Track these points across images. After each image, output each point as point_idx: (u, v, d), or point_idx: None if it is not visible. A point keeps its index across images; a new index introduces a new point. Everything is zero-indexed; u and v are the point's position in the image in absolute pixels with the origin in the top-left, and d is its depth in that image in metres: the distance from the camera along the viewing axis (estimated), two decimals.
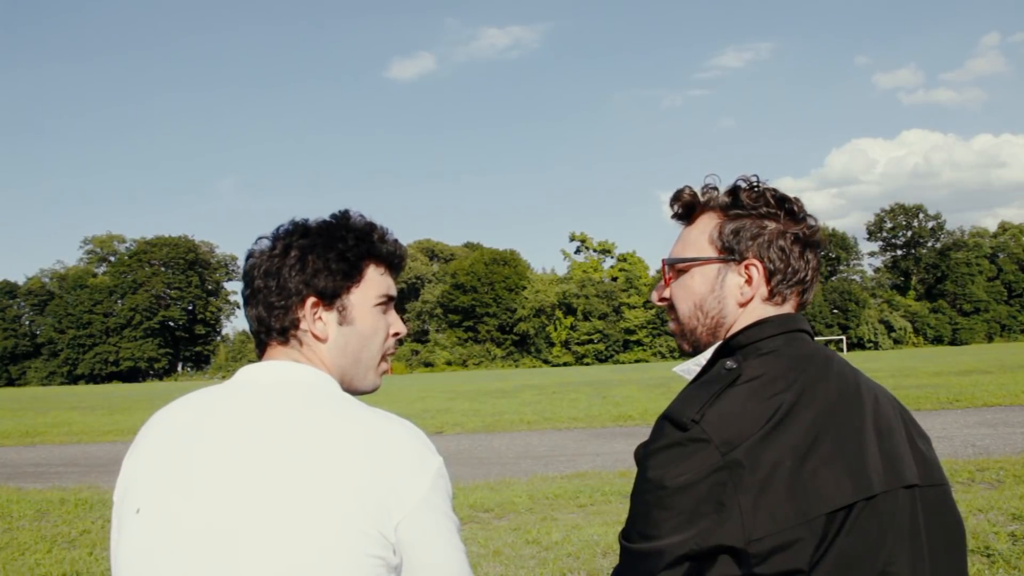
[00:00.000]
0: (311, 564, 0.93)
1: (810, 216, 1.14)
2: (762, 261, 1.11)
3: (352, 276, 1.16)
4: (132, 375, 78.30)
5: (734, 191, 1.14)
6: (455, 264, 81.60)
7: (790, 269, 1.11)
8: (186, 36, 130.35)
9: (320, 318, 1.13)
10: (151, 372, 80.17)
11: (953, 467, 6.69)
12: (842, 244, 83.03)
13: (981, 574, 3.86)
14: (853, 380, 1.09)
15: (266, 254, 1.16)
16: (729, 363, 1.07)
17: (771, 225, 1.11)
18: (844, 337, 72.72)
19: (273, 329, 1.14)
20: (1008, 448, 7.78)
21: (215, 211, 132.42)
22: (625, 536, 1.05)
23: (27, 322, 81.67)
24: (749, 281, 1.11)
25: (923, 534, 1.05)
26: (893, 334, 75.99)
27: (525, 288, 76.75)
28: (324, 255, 1.15)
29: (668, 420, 1.02)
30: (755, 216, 1.12)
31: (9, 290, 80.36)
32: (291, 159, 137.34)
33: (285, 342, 1.14)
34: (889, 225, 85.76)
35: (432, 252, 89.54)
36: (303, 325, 1.13)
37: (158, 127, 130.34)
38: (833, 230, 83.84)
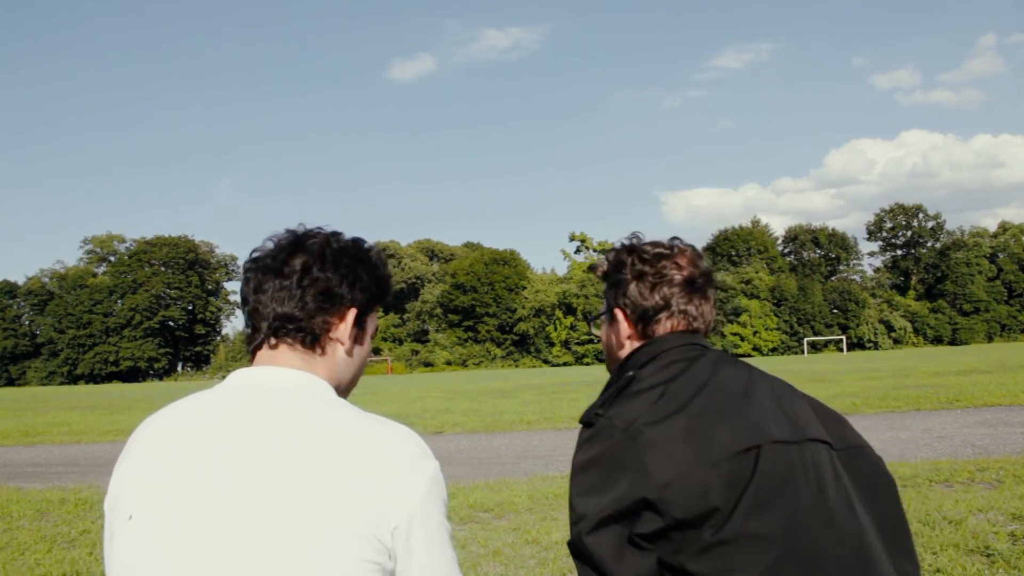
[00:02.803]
0: (304, 567, 0.93)
1: (664, 261, 1.42)
2: (622, 307, 1.44)
3: (379, 301, 1.21)
4: (132, 375, 78.27)
5: (606, 264, 1.50)
6: (455, 264, 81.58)
7: (641, 307, 1.41)
8: (186, 36, 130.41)
9: (351, 331, 1.16)
10: (151, 372, 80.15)
11: (953, 467, 6.69)
12: (842, 244, 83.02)
13: (981, 574, 3.86)
14: (745, 373, 1.34)
15: (317, 254, 1.15)
16: (629, 373, 1.35)
17: (626, 279, 1.43)
18: (844, 337, 72.69)
19: (305, 330, 1.13)
20: (1008, 448, 7.78)
21: (215, 211, 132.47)
22: (571, 529, 1.23)
23: (27, 322, 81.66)
24: (624, 321, 1.44)
25: (845, 481, 1.25)
26: (893, 334, 75.97)
27: (525, 288, 76.72)
28: (371, 273, 1.19)
29: (581, 423, 1.30)
30: (616, 277, 1.46)
31: (9, 290, 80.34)
32: (291, 159, 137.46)
33: (310, 346, 1.13)
34: (889, 225, 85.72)
35: (432, 252, 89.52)
36: (334, 333, 1.14)
37: (158, 127, 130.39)
38: (833, 230, 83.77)
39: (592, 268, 1.52)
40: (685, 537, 1.16)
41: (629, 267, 1.43)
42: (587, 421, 1.28)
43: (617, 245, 1.49)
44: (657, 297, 1.40)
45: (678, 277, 1.41)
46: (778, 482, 1.19)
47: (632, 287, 1.42)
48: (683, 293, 1.41)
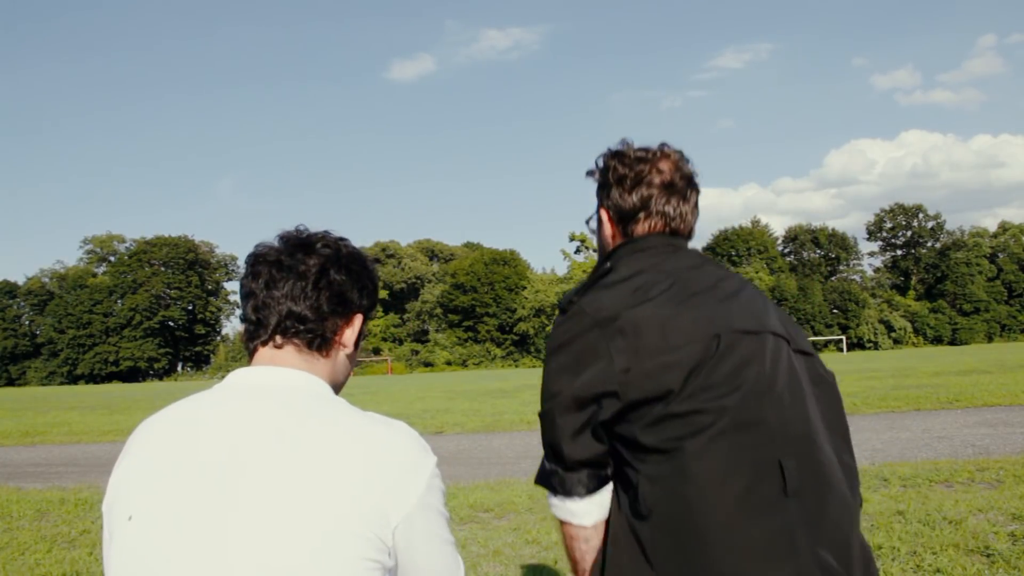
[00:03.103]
0: (304, 567, 0.93)
1: (644, 164, 1.46)
2: (606, 208, 1.51)
3: (375, 308, 1.22)
4: (132, 375, 78.23)
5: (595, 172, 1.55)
6: (455, 264, 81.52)
7: (621, 207, 1.47)
8: (186, 36, 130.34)
9: (356, 336, 1.18)
10: (151, 372, 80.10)
11: (953, 467, 6.69)
12: (842, 244, 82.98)
13: (981, 574, 3.86)
14: (718, 271, 1.41)
15: (333, 257, 1.15)
16: (607, 264, 1.43)
17: (609, 182, 1.50)
18: (844, 337, 72.66)
19: (315, 332, 1.12)
20: (1008, 448, 7.77)
21: (215, 211, 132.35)
22: (542, 403, 1.34)
23: (27, 322, 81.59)
24: (607, 222, 1.51)
25: (798, 374, 1.33)
26: (893, 334, 75.94)
27: (525, 288, 76.67)
28: (374, 281, 1.21)
29: (558, 308, 1.38)
30: (602, 180, 1.53)
31: (9, 290, 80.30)
32: (291, 159, 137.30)
33: (317, 348, 1.13)
34: (889, 225, 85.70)
35: (432, 252, 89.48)
36: (340, 337, 1.15)
37: (158, 127, 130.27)
38: (833, 230, 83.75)
39: (588, 173, 1.57)
40: (639, 414, 1.25)
41: (612, 171, 1.49)
42: (562, 307, 1.37)
43: (606, 151, 1.55)
44: (635, 198, 1.46)
45: (657, 180, 1.46)
46: (733, 366, 1.26)
47: (613, 190, 1.49)
48: (662, 194, 1.46)
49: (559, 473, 1.32)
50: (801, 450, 1.26)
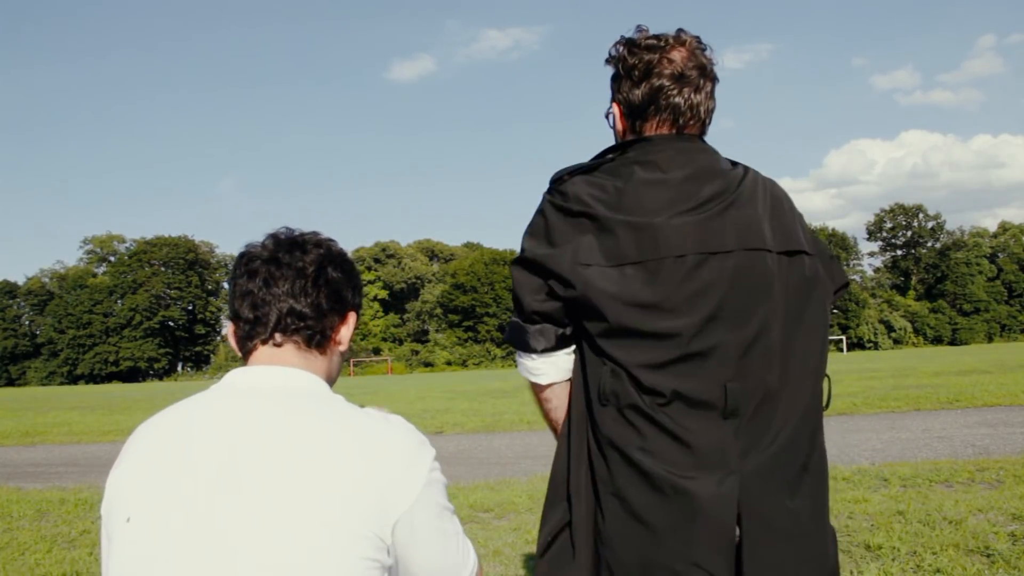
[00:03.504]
0: (304, 567, 0.93)
1: (654, 53, 1.39)
2: (618, 102, 1.45)
3: (362, 307, 1.24)
4: (132, 375, 78.21)
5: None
6: (455, 264, 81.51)
7: (630, 100, 1.41)
8: (186, 36, 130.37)
9: (351, 333, 1.19)
10: (151, 372, 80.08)
11: (953, 467, 6.69)
12: (842, 244, 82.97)
13: (981, 574, 3.86)
14: (716, 178, 1.34)
15: (328, 256, 1.16)
16: (610, 154, 1.42)
17: (619, 73, 1.44)
18: (844, 337, 72.63)
19: (314, 329, 1.12)
20: (1008, 448, 7.77)
21: (215, 211, 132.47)
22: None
23: (27, 322, 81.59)
24: (619, 116, 1.46)
25: (775, 287, 1.30)
26: (893, 334, 75.94)
27: None
28: (360, 279, 1.23)
29: (551, 179, 1.40)
30: (615, 71, 1.46)
31: (9, 290, 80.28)
32: (291, 159, 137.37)
33: (316, 346, 1.13)
34: (889, 225, 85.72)
35: (432, 252, 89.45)
36: (336, 335, 1.16)
37: (158, 127, 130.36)
38: (833, 230, 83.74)
39: (606, 61, 1.50)
40: (593, 324, 1.29)
41: (622, 61, 1.42)
42: (554, 179, 1.39)
43: (619, 38, 1.47)
44: (644, 90, 1.39)
45: (667, 70, 1.37)
46: (693, 291, 1.25)
47: (623, 82, 1.42)
48: (672, 86, 1.38)
49: (520, 325, 1.36)
50: (749, 373, 1.27)
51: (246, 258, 1.15)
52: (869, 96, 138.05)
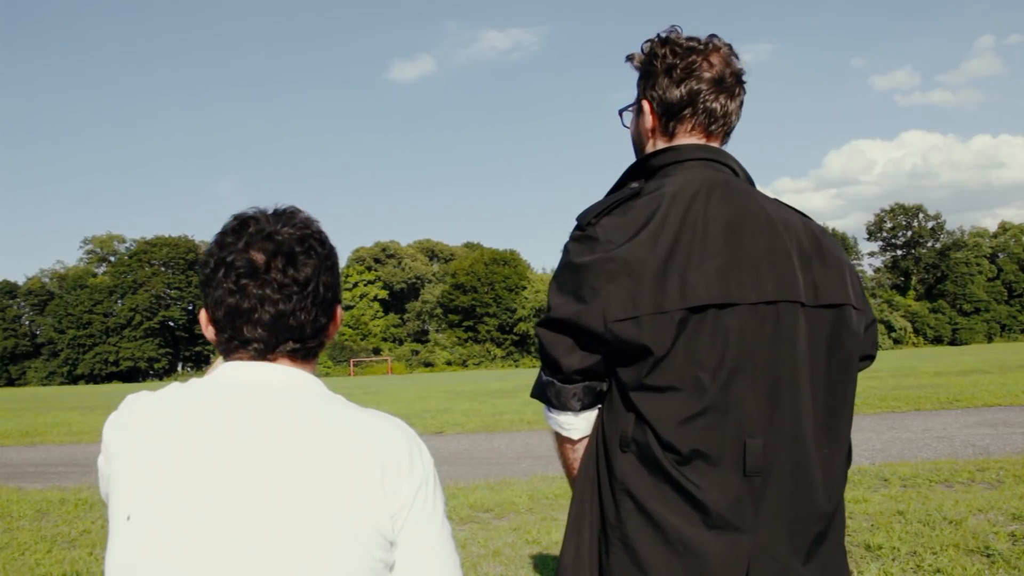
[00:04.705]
0: (304, 566, 0.93)
1: (695, 56, 1.37)
2: (649, 100, 1.41)
3: None
4: (132, 375, 78.23)
5: (641, 54, 1.45)
6: (455, 264, 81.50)
7: (667, 100, 1.38)
8: (186, 36, 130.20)
9: (336, 328, 1.15)
10: (151, 372, 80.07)
11: (953, 467, 6.69)
12: (842, 244, 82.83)
13: (981, 574, 3.86)
14: (752, 205, 1.30)
15: (321, 261, 1.08)
16: (634, 185, 1.38)
17: (656, 70, 1.40)
18: None
19: (309, 342, 1.08)
20: (1008, 448, 7.77)
21: (215, 211, 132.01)
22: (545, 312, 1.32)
23: (27, 322, 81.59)
24: (649, 114, 1.42)
25: (801, 343, 1.25)
26: (893, 334, 75.91)
27: (525, 288, 76.67)
28: (338, 264, 1.16)
29: (576, 220, 1.34)
30: (647, 68, 1.42)
31: (9, 290, 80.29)
32: (291, 159, 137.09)
33: (310, 355, 1.10)
34: (889, 225, 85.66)
35: (432, 252, 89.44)
36: (327, 338, 1.13)
37: (158, 127, 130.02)
38: (833, 230, 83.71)
39: (628, 58, 1.47)
40: (629, 374, 1.25)
41: (660, 59, 1.40)
42: (581, 224, 1.32)
43: (655, 37, 1.44)
44: (683, 91, 1.38)
45: (707, 74, 1.37)
46: (719, 343, 1.21)
47: (660, 79, 1.40)
48: (711, 90, 1.38)
49: (555, 385, 1.32)
50: (772, 430, 1.24)
51: (234, 274, 1.04)
52: (868, 96, 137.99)
